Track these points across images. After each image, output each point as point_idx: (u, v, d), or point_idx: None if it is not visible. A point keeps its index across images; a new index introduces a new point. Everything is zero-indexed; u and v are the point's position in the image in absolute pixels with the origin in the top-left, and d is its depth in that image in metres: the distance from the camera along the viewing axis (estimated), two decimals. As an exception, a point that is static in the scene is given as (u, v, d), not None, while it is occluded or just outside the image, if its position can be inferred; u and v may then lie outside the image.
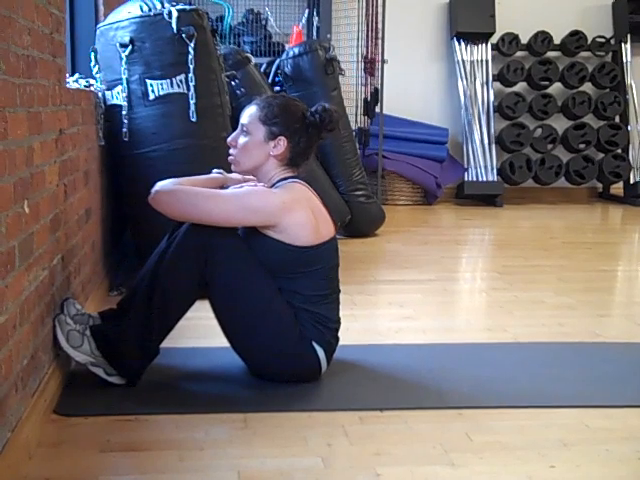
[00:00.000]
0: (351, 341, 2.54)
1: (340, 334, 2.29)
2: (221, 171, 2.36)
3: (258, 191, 2.19)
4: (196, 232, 2.11)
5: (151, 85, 3.04)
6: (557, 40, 6.32)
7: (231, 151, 2.27)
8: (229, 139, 2.28)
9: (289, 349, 2.16)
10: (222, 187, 2.30)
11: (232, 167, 2.29)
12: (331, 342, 2.24)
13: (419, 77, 6.40)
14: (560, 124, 6.34)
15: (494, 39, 6.29)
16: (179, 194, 2.11)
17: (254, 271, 2.15)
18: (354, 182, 4.59)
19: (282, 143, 2.21)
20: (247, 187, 2.21)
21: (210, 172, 2.37)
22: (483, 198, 6.23)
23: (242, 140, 2.24)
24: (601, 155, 6.39)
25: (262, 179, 2.26)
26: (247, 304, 2.14)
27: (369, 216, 4.67)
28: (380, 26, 5.43)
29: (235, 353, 2.22)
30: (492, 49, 6.28)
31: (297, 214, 2.15)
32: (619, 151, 6.35)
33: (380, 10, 5.41)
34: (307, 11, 5.44)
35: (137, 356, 2.13)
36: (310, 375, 2.22)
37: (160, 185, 2.15)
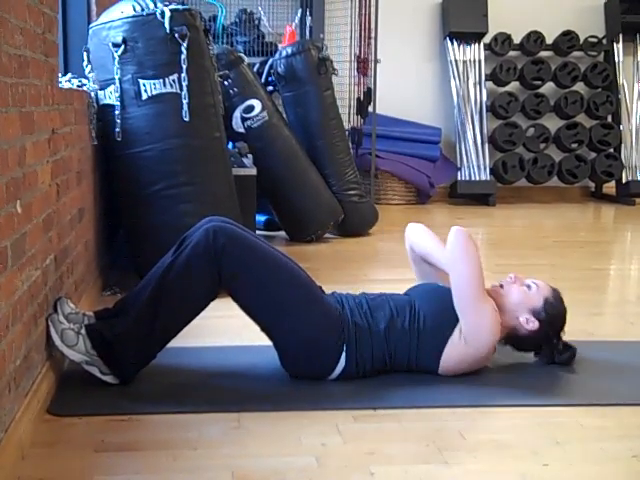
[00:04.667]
0: (345, 340, 2.53)
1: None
2: None
3: (497, 328, 2.21)
4: (207, 241, 2.12)
5: (144, 85, 3.04)
6: (550, 40, 6.34)
7: (508, 281, 2.34)
8: (516, 274, 2.35)
9: (317, 342, 2.17)
10: None
11: (498, 290, 2.33)
12: (352, 371, 2.22)
13: (412, 77, 6.41)
14: (553, 123, 6.36)
15: (487, 39, 6.30)
16: (476, 256, 2.21)
17: (273, 272, 2.17)
18: (347, 182, 4.59)
19: (532, 325, 2.28)
20: (498, 316, 2.22)
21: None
22: (476, 197, 6.24)
23: (521, 289, 2.32)
24: (593, 154, 6.41)
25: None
26: (270, 305, 2.16)
27: (362, 215, 4.67)
28: (373, 26, 5.44)
29: (231, 352, 2.22)
30: (485, 49, 6.29)
31: (471, 363, 2.24)
32: (611, 150, 6.37)
33: (373, 10, 5.42)
34: (300, 11, 5.44)
35: (134, 358, 2.14)
36: (319, 374, 2.22)
37: (469, 234, 2.24)
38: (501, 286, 2.34)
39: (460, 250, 2.21)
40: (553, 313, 2.31)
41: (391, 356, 2.23)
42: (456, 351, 2.21)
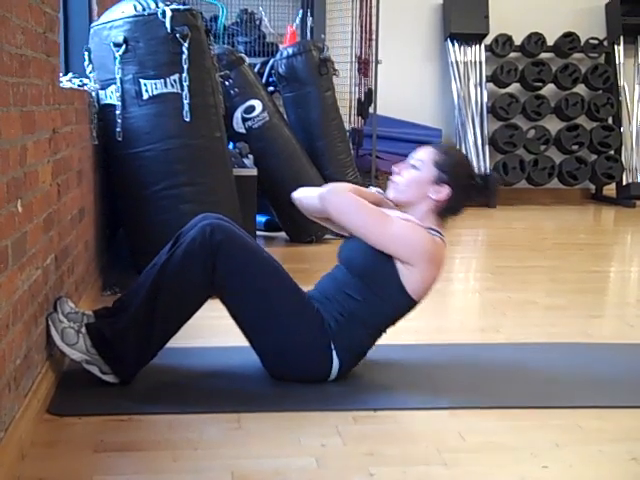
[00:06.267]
0: (344, 341, 2.54)
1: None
2: (380, 191, 2.37)
3: (420, 232, 2.19)
4: (204, 237, 2.12)
5: (145, 85, 3.04)
6: (550, 42, 6.34)
7: (394, 177, 2.29)
8: (396, 166, 2.30)
9: (306, 348, 2.17)
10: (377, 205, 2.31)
11: (390, 193, 2.30)
12: (349, 363, 2.23)
13: (413, 78, 6.41)
14: (553, 125, 6.36)
15: (488, 40, 6.30)
16: (354, 204, 2.18)
17: (266, 273, 2.18)
18: (347, 182, 4.58)
19: (444, 191, 2.23)
20: (413, 222, 2.21)
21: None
22: (476, 199, 6.23)
23: (410, 173, 2.26)
24: (594, 156, 6.41)
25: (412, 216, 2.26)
26: (264, 304, 2.16)
27: (362, 216, 4.66)
28: (374, 27, 5.44)
29: (232, 352, 2.22)
30: (486, 50, 6.30)
31: (430, 271, 2.19)
32: (612, 152, 6.37)
33: (374, 11, 5.42)
34: (301, 11, 5.44)
35: (134, 357, 2.14)
36: (317, 377, 2.22)
37: (336, 188, 2.22)
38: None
39: (331, 207, 2.19)
40: (451, 168, 2.24)
41: (374, 326, 2.22)
42: (413, 277, 2.17)
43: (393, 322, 2.27)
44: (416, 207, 2.25)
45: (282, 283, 2.20)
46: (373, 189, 2.38)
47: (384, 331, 2.28)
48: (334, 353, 2.18)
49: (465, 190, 2.27)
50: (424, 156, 2.27)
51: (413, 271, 2.17)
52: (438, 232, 2.24)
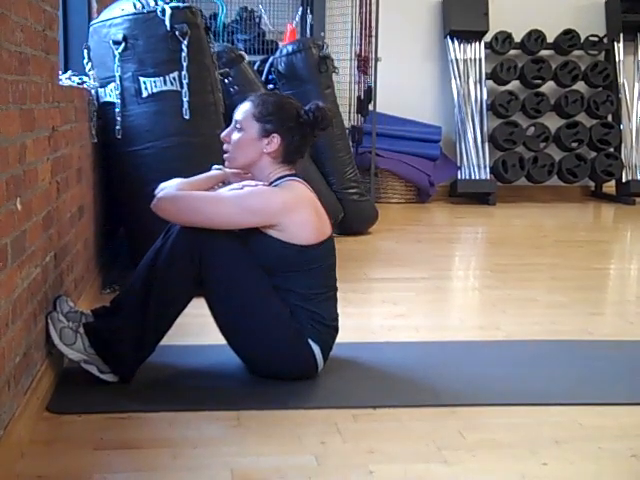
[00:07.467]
0: (344, 339, 2.53)
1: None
2: (220, 167, 2.35)
3: (259, 191, 2.17)
4: (190, 231, 2.11)
5: (144, 82, 3.03)
6: (550, 39, 6.33)
7: (225, 147, 2.27)
8: (222, 134, 2.28)
9: (285, 346, 2.17)
10: (223, 183, 2.31)
11: (226, 163, 2.29)
12: (327, 340, 2.24)
13: (412, 75, 6.40)
14: (553, 122, 6.36)
15: (487, 37, 6.30)
16: (181, 201, 2.13)
17: (248, 269, 2.15)
18: (347, 180, 4.59)
19: (275, 140, 2.21)
20: (248, 188, 2.19)
21: (209, 169, 2.37)
22: (476, 196, 6.24)
23: (235, 136, 2.24)
24: (594, 154, 6.41)
25: (258, 176, 2.26)
26: (242, 302, 2.14)
27: (362, 214, 4.67)
28: (374, 24, 5.43)
29: (231, 350, 2.22)
30: (485, 47, 6.29)
31: (298, 213, 2.16)
32: (611, 150, 6.36)
33: (374, 8, 5.41)
34: (301, 9, 5.44)
35: (132, 354, 2.14)
36: (306, 372, 2.21)
37: (162, 192, 2.16)
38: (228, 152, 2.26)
39: (168, 214, 2.12)
40: (273, 116, 2.20)
41: (320, 292, 2.20)
42: (289, 232, 2.14)
43: (329, 272, 2.24)
44: (258, 166, 2.23)
45: (262, 280, 2.17)
46: (214, 167, 2.35)
47: (334, 285, 2.25)
48: (311, 342, 2.18)
49: (295, 131, 2.22)
50: (242, 114, 2.24)
51: (283, 228, 2.14)
52: (290, 175, 2.22)
